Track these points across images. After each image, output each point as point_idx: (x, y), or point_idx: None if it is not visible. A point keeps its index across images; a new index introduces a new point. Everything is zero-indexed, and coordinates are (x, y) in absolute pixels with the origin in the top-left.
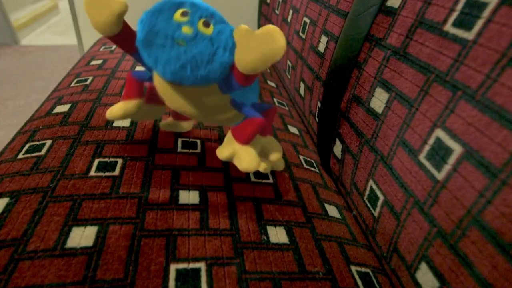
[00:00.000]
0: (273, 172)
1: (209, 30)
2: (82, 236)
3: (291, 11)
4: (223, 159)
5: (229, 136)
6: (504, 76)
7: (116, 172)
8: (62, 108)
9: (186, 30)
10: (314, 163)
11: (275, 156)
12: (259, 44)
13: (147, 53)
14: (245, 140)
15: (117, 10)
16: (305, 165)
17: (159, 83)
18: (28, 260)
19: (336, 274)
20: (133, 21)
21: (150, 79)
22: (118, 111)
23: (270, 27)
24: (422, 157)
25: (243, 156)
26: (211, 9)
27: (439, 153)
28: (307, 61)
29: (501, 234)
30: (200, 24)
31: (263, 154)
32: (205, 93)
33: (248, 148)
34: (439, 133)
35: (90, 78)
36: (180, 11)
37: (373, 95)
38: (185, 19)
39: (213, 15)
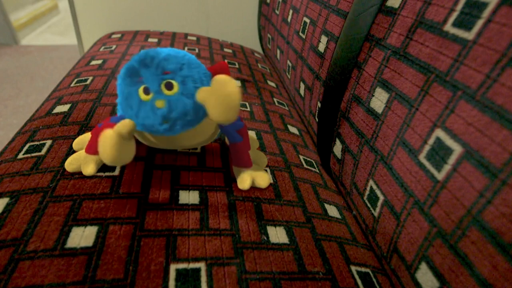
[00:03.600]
0: (273, 172)
1: (175, 88)
2: (82, 236)
3: (291, 11)
4: (247, 188)
5: (238, 169)
6: (504, 76)
7: (116, 172)
8: (62, 108)
9: (159, 105)
10: (314, 163)
11: (264, 183)
12: (216, 99)
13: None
14: (250, 162)
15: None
16: (305, 165)
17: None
18: (28, 260)
19: (336, 274)
20: (134, 21)
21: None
22: (93, 169)
23: (219, 78)
24: (422, 157)
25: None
26: (161, 63)
27: (439, 153)
28: (307, 61)
29: (501, 234)
30: (164, 89)
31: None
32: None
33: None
34: (439, 133)
35: (90, 78)
36: (140, 90)
37: (373, 95)
38: (150, 95)
39: (165, 69)
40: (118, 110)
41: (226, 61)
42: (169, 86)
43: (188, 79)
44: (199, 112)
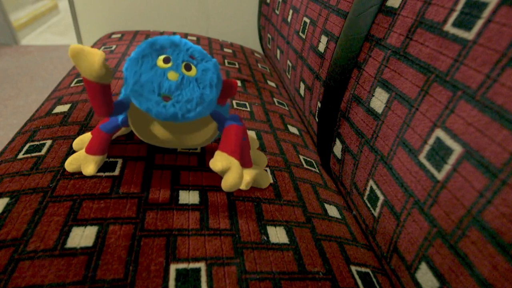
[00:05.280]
0: (273, 172)
1: (193, 72)
2: (82, 236)
3: (291, 11)
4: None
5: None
6: (504, 76)
7: (116, 172)
8: (62, 108)
9: (172, 76)
10: (314, 163)
11: (264, 185)
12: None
13: (138, 102)
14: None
15: (97, 61)
16: (305, 165)
17: (140, 124)
18: (28, 260)
19: (336, 274)
20: (134, 21)
21: (118, 127)
22: (93, 169)
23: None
24: (422, 157)
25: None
26: (191, 48)
27: (439, 153)
28: (307, 61)
29: (501, 234)
30: (182, 68)
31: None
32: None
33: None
34: (439, 133)
35: None
36: (162, 57)
37: (373, 95)
38: (168, 65)
39: (193, 54)
40: (122, 90)
41: (226, 61)
42: (188, 68)
43: (208, 72)
44: (199, 107)
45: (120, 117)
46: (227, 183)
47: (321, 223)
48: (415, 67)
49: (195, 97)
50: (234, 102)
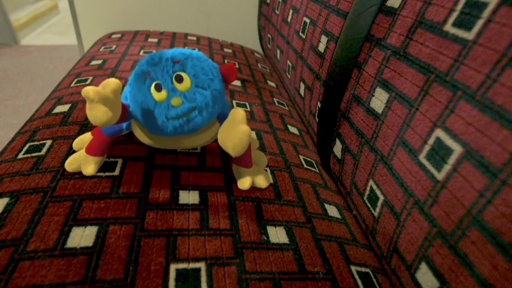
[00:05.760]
0: (273, 172)
1: (187, 81)
2: (82, 236)
3: (291, 11)
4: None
5: (238, 169)
6: (504, 76)
7: (116, 172)
8: (62, 108)
9: (175, 102)
10: (314, 163)
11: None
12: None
13: (159, 131)
14: (251, 162)
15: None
16: (305, 165)
17: (148, 137)
18: (28, 260)
19: (336, 274)
20: (134, 21)
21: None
22: (93, 169)
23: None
24: (422, 157)
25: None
26: (169, 56)
27: (439, 153)
28: (307, 61)
29: (501, 234)
30: (176, 84)
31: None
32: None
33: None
34: (439, 133)
35: (90, 78)
36: (153, 87)
37: (373, 95)
38: (164, 93)
39: (174, 59)
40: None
41: (226, 61)
42: (179, 79)
43: (198, 71)
44: (216, 105)
45: (125, 124)
46: (242, 129)
47: (321, 223)
48: (415, 67)
49: (208, 99)
50: (234, 102)
